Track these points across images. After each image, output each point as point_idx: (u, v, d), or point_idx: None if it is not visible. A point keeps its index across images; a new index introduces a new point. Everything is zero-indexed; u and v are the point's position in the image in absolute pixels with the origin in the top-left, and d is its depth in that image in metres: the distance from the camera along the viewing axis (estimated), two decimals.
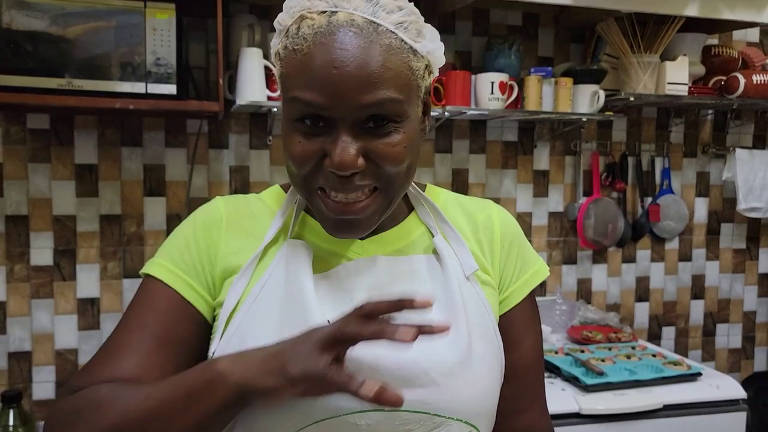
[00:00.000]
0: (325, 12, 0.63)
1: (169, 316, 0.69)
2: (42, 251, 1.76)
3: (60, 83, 1.46)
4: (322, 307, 0.68)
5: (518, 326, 0.78)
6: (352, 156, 0.63)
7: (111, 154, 1.79)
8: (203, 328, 0.71)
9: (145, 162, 1.81)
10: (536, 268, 0.81)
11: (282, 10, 0.68)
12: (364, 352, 0.64)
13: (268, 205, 0.77)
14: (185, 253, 0.72)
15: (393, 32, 0.64)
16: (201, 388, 0.58)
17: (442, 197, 0.82)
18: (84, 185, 1.77)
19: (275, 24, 0.68)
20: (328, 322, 0.65)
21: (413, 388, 0.65)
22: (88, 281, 1.79)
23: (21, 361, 1.75)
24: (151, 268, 0.72)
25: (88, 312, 1.80)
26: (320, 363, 0.55)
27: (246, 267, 0.71)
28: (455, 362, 0.67)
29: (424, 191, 0.81)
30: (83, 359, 1.80)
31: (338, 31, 0.62)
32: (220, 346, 0.68)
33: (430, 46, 0.68)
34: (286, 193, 0.78)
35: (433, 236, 0.77)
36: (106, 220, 1.80)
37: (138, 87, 1.50)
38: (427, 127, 0.74)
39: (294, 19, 0.65)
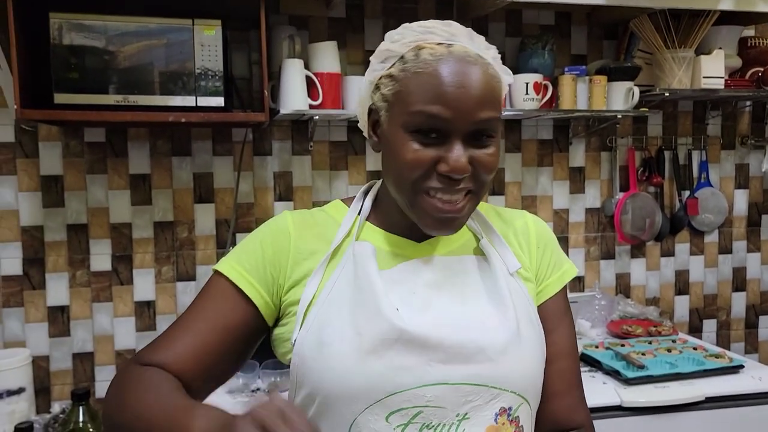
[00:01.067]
0: (442, 44, 0.76)
1: (225, 306, 0.80)
2: (101, 257, 1.86)
3: (116, 99, 1.56)
4: (389, 296, 0.77)
5: (551, 316, 0.88)
6: (465, 161, 0.75)
7: (163, 163, 1.88)
8: (256, 320, 0.82)
9: (194, 170, 1.90)
10: (566, 268, 0.91)
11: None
12: (428, 332, 0.75)
13: (332, 216, 0.88)
14: (252, 255, 0.82)
15: (491, 64, 0.78)
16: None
17: (484, 208, 0.92)
18: (138, 194, 1.87)
19: (383, 50, 0.80)
20: (397, 310, 0.76)
21: (473, 363, 0.76)
22: (144, 285, 1.89)
23: (84, 361, 1.86)
24: (218, 265, 0.83)
25: (145, 314, 1.90)
26: None
27: (318, 267, 0.81)
28: (507, 342, 0.77)
29: None
30: None
31: (459, 59, 0.75)
32: (300, 334, 0.79)
33: (507, 79, 0.82)
34: (347, 206, 0.89)
35: (479, 240, 0.87)
36: (159, 227, 1.89)
37: (188, 101, 1.59)
38: None
39: (410, 47, 0.77)
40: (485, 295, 0.82)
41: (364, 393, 0.73)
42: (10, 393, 1.64)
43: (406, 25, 0.80)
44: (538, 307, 0.87)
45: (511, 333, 0.78)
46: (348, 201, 0.90)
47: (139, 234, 1.88)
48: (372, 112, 0.83)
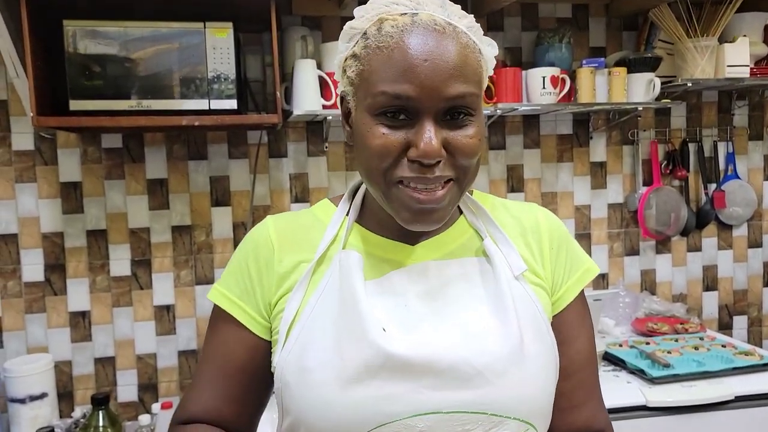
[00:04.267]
0: (406, 14, 0.68)
1: (231, 344, 0.77)
2: (120, 262, 1.87)
3: (131, 105, 1.56)
4: (376, 313, 0.70)
5: (572, 324, 0.79)
6: (437, 145, 0.66)
7: (179, 168, 1.89)
8: (261, 350, 0.77)
9: (210, 174, 1.91)
10: (586, 266, 0.82)
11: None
12: (417, 354, 0.67)
13: (319, 218, 0.80)
14: (239, 278, 0.78)
15: (467, 33, 0.69)
16: None
17: (489, 201, 0.83)
18: (156, 199, 1.88)
19: (347, 29, 0.72)
20: (384, 330, 0.69)
21: (469, 389, 0.67)
22: (163, 289, 1.90)
23: (106, 365, 1.88)
24: (212, 294, 0.79)
25: (165, 318, 1.91)
26: None
27: (301, 280, 0.74)
28: (508, 362, 0.69)
29: (471, 196, 0.83)
30: (162, 363, 1.91)
31: (424, 29, 0.66)
32: (282, 357, 0.72)
33: (490, 51, 0.73)
34: (335, 205, 0.82)
35: (482, 239, 0.78)
36: (177, 231, 1.90)
37: (201, 104, 1.59)
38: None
39: (372, 21, 0.69)
40: (486, 305, 0.73)
41: (349, 425, 0.66)
42: (33, 398, 1.66)
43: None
44: (557, 316, 0.79)
45: (513, 351, 0.69)
46: (337, 199, 0.83)
47: (158, 238, 1.89)
48: (343, 100, 0.75)
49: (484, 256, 0.77)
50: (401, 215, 0.70)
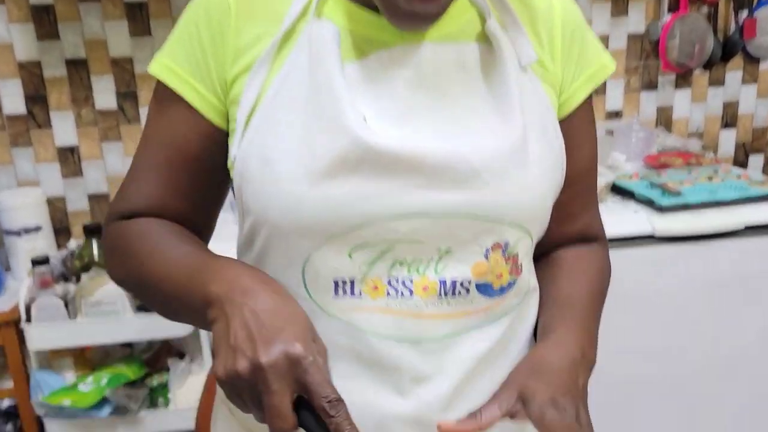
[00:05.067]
0: None
1: (179, 133, 0.65)
2: (105, 95, 1.77)
3: None
4: (356, 99, 0.60)
5: (578, 130, 0.70)
6: None
7: None
8: (215, 139, 0.66)
9: None
10: (602, 62, 0.71)
11: None
12: (404, 148, 0.58)
13: None
14: (189, 49, 0.63)
15: None
16: (195, 308, 0.59)
17: None
18: (136, 25, 1.74)
19: None
20: (365, 119, 0.59)
21: (462, 189, 0.59)
22: None
23: (100, 201, 1.84)
24: (156, 68, 0.65)
25: None
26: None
27: (263, 57, 0.61)
28: (509, 162, 0.60)
29: None
30: None
31: None
32: (242, 148, 0.62)
33: None
34: None
35: (485, 22, 0.64)
36: None
37: None
38: None
39: None
40: (487, 96, 0.63)
41: (319, 225, 0.59)
42: (28, 230, 1.64)
43: None
44: (563, 119, 0.69)
45: (516, 150, 0.60)
46: None
47: (142, 69, 1.77)
48: None
49: (487, 42, 0.65)
50: (391, 11, 0.58)
